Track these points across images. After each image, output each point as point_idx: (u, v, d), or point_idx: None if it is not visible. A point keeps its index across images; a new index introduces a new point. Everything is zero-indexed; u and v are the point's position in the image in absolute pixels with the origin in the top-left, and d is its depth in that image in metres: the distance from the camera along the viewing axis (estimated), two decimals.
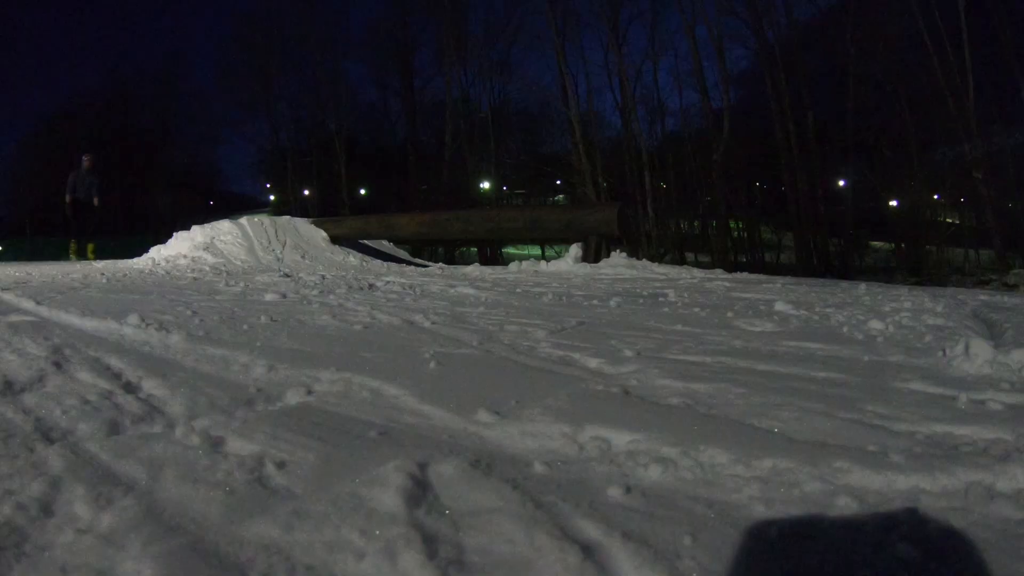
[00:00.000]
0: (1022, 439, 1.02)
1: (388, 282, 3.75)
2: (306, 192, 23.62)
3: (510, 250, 22.79)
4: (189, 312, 2.30)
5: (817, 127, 17.16)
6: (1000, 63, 14.90)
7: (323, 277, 3.90)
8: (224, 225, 7.53)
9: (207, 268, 5.59)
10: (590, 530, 0.73)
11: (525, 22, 20.61)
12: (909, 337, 2.11)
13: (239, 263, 6.25)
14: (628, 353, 1.76)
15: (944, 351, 1.73)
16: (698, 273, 5.77)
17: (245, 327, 2.03)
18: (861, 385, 1.44)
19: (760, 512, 0.79)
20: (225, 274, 3.95)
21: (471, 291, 3.37)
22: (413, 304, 2.81)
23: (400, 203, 20.64)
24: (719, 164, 17.03)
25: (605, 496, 0.83)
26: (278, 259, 6.77)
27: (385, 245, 9.20)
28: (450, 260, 16.46)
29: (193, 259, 6.57)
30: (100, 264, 6.65)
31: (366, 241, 8.75)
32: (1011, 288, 10.56)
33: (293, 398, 1.28)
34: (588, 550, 0.68)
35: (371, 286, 3.48)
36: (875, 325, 2.34)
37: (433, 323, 2.24)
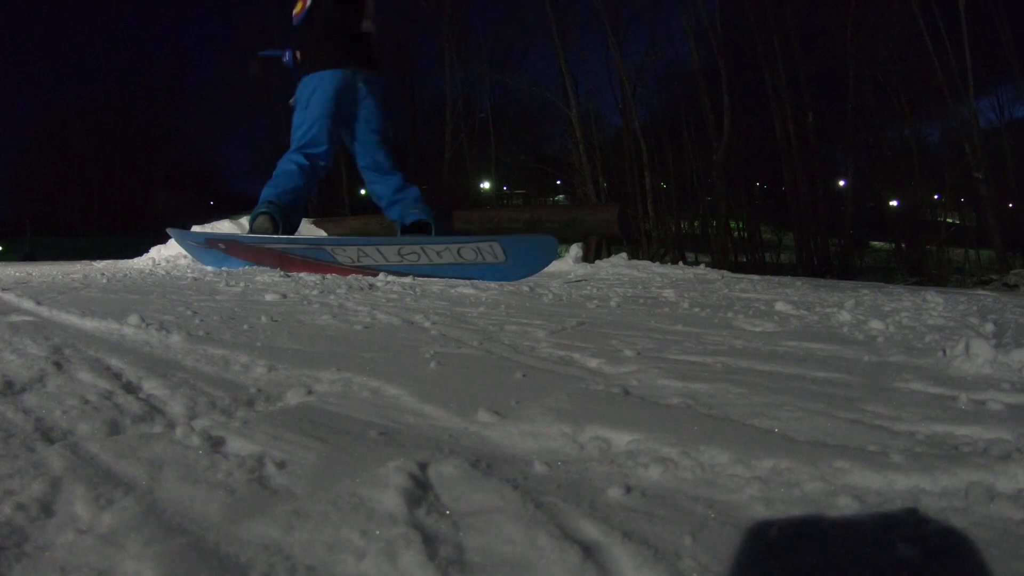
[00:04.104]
0: (1022, 439, 1.02)
1: (388, 282, 3.74)
2: None
3: None
4: (189, 312, 2.30)
5: (817, 127, 17.16)
6: (1000, 63, 14.89)
7: (323, 277, 3.89)
8: (224, 225, 7.51)
9: (207, 268, 5.58)
10: (590, 530, 0.73)
11: (525, 22, 20.62)
12: (909, 337, 2.11)
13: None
14: (628, 353, 1.76)
15: (944, 351, 1.73)
16: (698, 273, 5.77)
17: (245, 327, 2.03)
18: (861, 385, 1.44)
19: (760, 512, 0.79)
20: (225, 274, 3.94)
21: (471, 291, 3.37)
22: (413, 304, 2.81)
23: None
24: (719, 164, 17.02)
25: (605, 496, 0.83)
26: None
27: None
28: None
29: (193, 259, 6.56)
30: (100, 264, 6.64)
31: None
32: (1011, 288, 10.56)
33: (293, 398, 1.28)
34: (588, 550, 0.68)
35: (371, 286, 3.48)
36: (875, 325, 2.34)
37: (433, 323, 2.24)
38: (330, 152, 4.24)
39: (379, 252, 3.89)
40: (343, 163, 21.80)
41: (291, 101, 4.27)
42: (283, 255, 3.85)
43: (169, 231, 4.54)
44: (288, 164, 4.10)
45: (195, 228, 7.50)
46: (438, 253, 3.89)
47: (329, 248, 3.90)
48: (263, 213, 4.05)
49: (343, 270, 3.87)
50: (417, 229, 4.36)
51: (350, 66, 4.09)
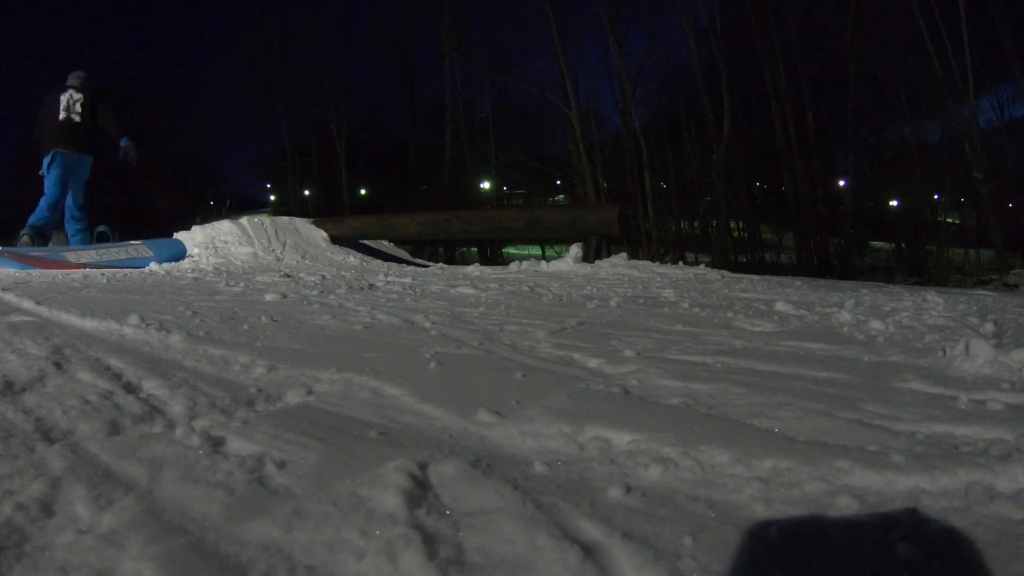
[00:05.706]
0: (1022, 439, 1.02)
1: (388, 282, 3.75)
2: (306, 192, 23.66)
3: (510, 250, 22.81)
4: (189, 312, 2.30)
5: (817, 127, 17.16)
6: (1000, 63, 14.90)
7: (323, 277, 3.90)
8: (224, 225, 7.51)
9: (207, 268, 5.58)
10: (590, 530, 0.73)
11: (525, 22, 20.58)
12: (909, 337, 2.11)
13: (239, 263, 6.24)
14: (628, 353, 1.76)
15: (944, 351, 1.73)
16: (698, 273, 5.76)
17: (245, 327, 2.03)
18: (861, 385, 1.44)
19: (760, 512, 0.79)
20: (225, 274, 3.95)
21: (471, 291, 3.37)
22: (413, 304, 2.81)
23: (400, 203, 20.65)
24: (719, 164, 17.02)
25: (605, 496, 0.83)
26: (278, 259, 6.77)
27: (385, 245, 9.18)
28: (450, 260, 16.44)
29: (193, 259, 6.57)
30: None
31: (366, 241, 8.74)
32: (1011, 288, 10.55)
33: (293, 398, 1.28)
34: (588, 550, 0.68)
35: (371, 286, 3.48)
36: (875, 325, 2.34)
37: (433, 323, 2.24)
38: (62, 206, 6.68)
39: (88, 254, 6.14)
40: (343, 163, 21.82)
41: (40, 171, 6.55)
42: (40, 259, 5.94)
43: None
44: (46, 210, 6.54)
45: (195, 227, 7.51)
46: (117, 252, 6.26)
47: (64, 253, 6.10)
48: (26, 235, 6.42)
49: (71, 265, 5.79)
50: (103, 238, 7.08)
51: (67, 148, 6.48)
